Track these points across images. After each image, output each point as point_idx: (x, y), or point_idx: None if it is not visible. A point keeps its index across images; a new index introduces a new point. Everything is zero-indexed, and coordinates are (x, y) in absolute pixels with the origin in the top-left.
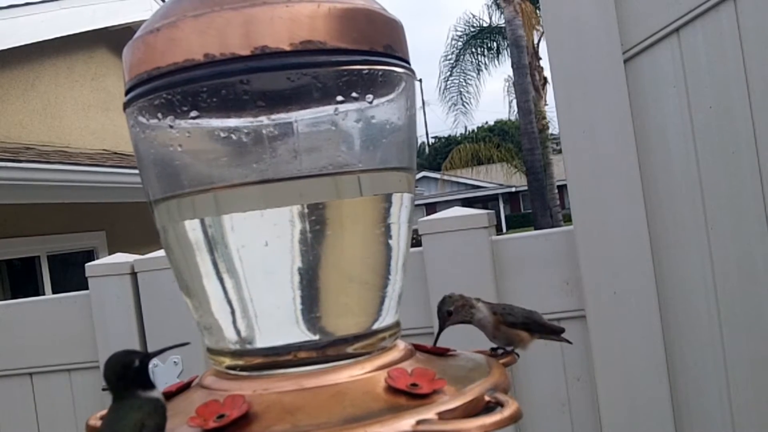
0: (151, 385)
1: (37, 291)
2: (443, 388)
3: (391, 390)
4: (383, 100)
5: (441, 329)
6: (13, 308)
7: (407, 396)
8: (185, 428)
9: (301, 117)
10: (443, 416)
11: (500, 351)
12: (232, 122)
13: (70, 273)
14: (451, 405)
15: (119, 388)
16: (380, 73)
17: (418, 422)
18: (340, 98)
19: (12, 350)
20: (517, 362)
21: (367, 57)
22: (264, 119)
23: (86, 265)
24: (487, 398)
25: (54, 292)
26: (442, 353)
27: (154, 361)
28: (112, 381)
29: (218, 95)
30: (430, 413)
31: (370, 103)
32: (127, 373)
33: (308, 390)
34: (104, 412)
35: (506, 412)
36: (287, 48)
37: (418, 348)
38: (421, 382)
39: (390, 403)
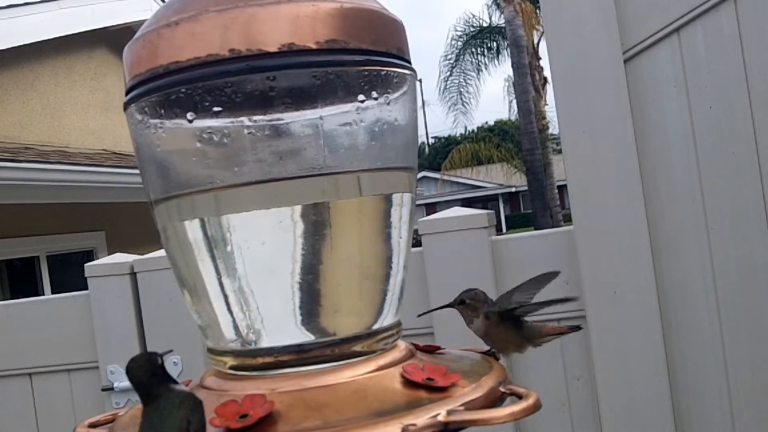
0: (175, 381)
1: (37, 291)
2: (458, 381)
3: (409, 384)
4: (393, 100)
5: (443, 307)
6: (13, 308)
7: (426, 389)
8: (209, 428)
9: (311, 116)
10: (468, 407)
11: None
12: (241, 121)
13: (69, 273)
14: (471, 396)
15: (153, 385)
16: (394, 74)
17: (449, 413)
18: (360, 98)
19: (11, 350)
20: (517, 362)
21: (385, 58)
22: (279, 118)
23: (86, 265)
24: (502, 390)
25: (53, 292)
26: (432, 351)
27: None
28: (145, 380)
29: (242, 92)
30: (456, 404)
31: (387, 104)
32: (156, 371)
33: (328, 387)
34: (94, 418)
35: (530, 401)
36: (313, 46)
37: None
38: (435, 377)
39: (411, 396)
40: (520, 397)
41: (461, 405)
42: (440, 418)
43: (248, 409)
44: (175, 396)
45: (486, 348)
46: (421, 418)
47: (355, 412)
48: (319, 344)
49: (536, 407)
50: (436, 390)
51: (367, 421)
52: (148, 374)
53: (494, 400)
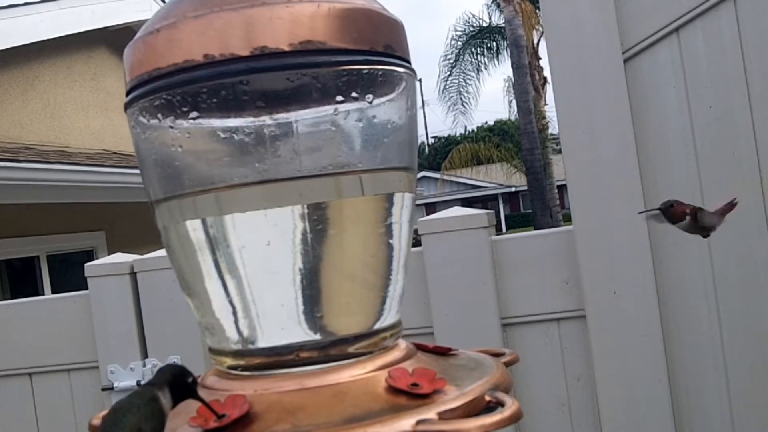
0: (178, 400)
1: (37, 291)
2: (444, 387)
3: (392, 390)
4: (383, 99)
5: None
6: (13, 308)
7: (408, 396)
8: (186, 428)
9: (301, 117)
10: (443, 416)
11: (507, 352)
12: (232, 122)
13: (69, 273)
14: (451, 405)
15: (163, 382)
16: (380, 72)
17: (418, 422)
18: (339, 98)
19: (11, 350)
20: (518, 362)
21: (367, 57)
22: (264, 119)
23: (86, 265)
24: (487, 398)
25: (53, 292)
26: (444, 352)
27: (153, 361)
28: (167, 374)
29: (218, 96)
30: (430, 413)
31: (370, 103)
32: (179, 379)
33: (309, 390)
34: (106, 412)
35: (507, 412)
36: (287, 48)
37: (419, 347)
38: (421, 382)
39: (390, 402)
40: (503, 405)
41: (437, 413)
42: (407, 427)
43: (228, 409)
44: (138, 400)
45: (500, 350)
46: (387, 427)
47: (328, 417)
48: (318, 344)
49: (513, 419)
50: (417, 397)
51: (336, 427)
52: (173, 375)
53: (478, 408)
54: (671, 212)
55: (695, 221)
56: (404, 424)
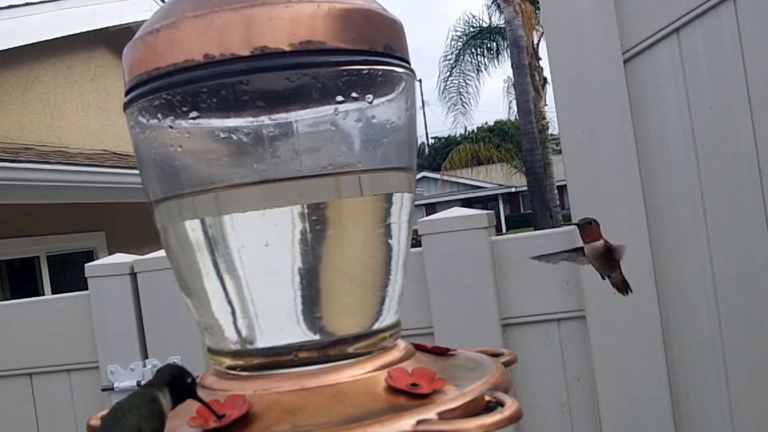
0: (178, 400)
1: (37, 291)
2: (443, 387)
3: (392, 390)
4: (383, 100)
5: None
6: (13, 308)
7: (407, 396)
8: (186, 428)
9: (301, 117)
10: (443, 416)
11: (505, 352)
12: (232, 122)
13: (69, 273)
14: (451, 405)
15: (162, 383)
16: (380, 73)
17: (419, 422)
18: (339, 98)
19: (12, 350)
20: (518, 362)
21: (367, 57)
22: (264, 119)
23: (86, 265)
24: (487, 398)
25: (54, 292)
26: (443, 353)
27: (153, 361)
28: (166, 375)
29: (218, 95)
30: (430, 413)
31: (370, 103)
32: (178, 379)
33: (309, 390)
34: (105, 412)
35: (506, 412)
36: (287, 48)
37: (418, 348)
38: (421, 382)
39: (390, 402)
40: (502, 405)
41: (437, 413)
42: (407, 427)
43: (228, 409)
44: (137, 400)
45: (498, 350)
46: (387, 427)
47: (327, 417)
48: (317, 345)
49: (512, 419)
50: (416, 397)
51: (336, 427)
52: (172, 376)
53: (478, 408)
54: (588, 230)
55: (608, 249)
56: (404, 424)
